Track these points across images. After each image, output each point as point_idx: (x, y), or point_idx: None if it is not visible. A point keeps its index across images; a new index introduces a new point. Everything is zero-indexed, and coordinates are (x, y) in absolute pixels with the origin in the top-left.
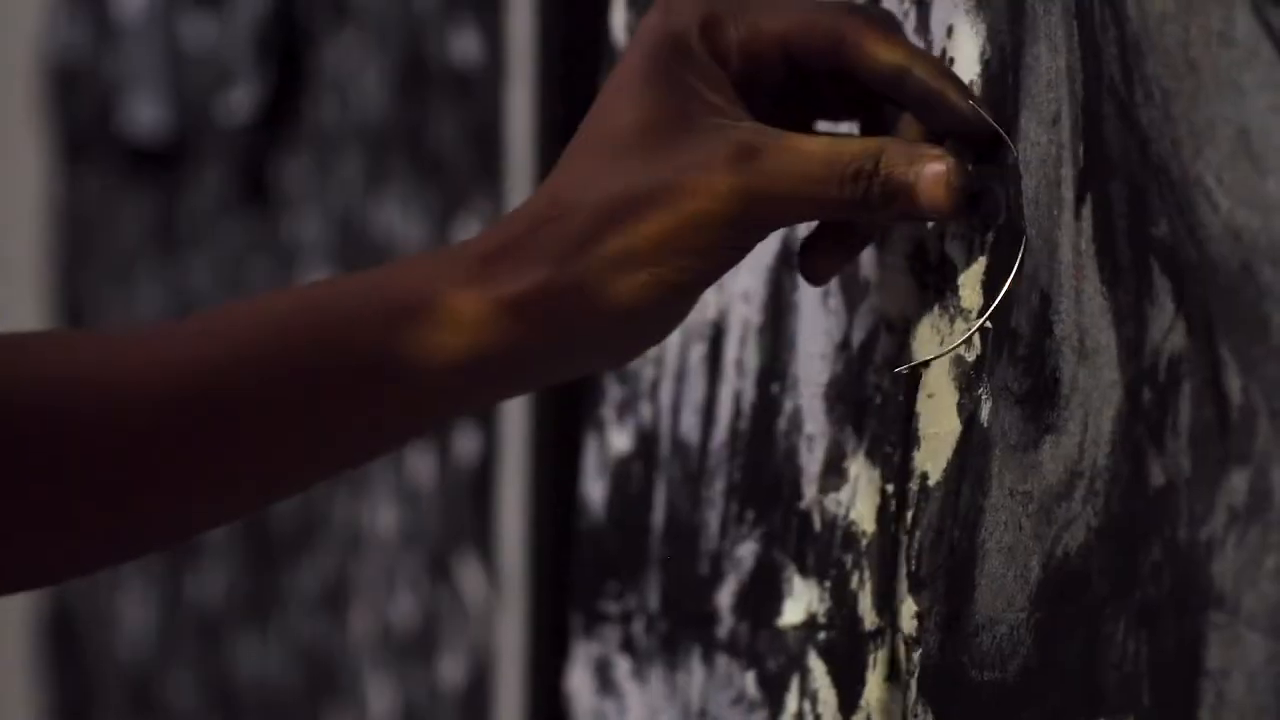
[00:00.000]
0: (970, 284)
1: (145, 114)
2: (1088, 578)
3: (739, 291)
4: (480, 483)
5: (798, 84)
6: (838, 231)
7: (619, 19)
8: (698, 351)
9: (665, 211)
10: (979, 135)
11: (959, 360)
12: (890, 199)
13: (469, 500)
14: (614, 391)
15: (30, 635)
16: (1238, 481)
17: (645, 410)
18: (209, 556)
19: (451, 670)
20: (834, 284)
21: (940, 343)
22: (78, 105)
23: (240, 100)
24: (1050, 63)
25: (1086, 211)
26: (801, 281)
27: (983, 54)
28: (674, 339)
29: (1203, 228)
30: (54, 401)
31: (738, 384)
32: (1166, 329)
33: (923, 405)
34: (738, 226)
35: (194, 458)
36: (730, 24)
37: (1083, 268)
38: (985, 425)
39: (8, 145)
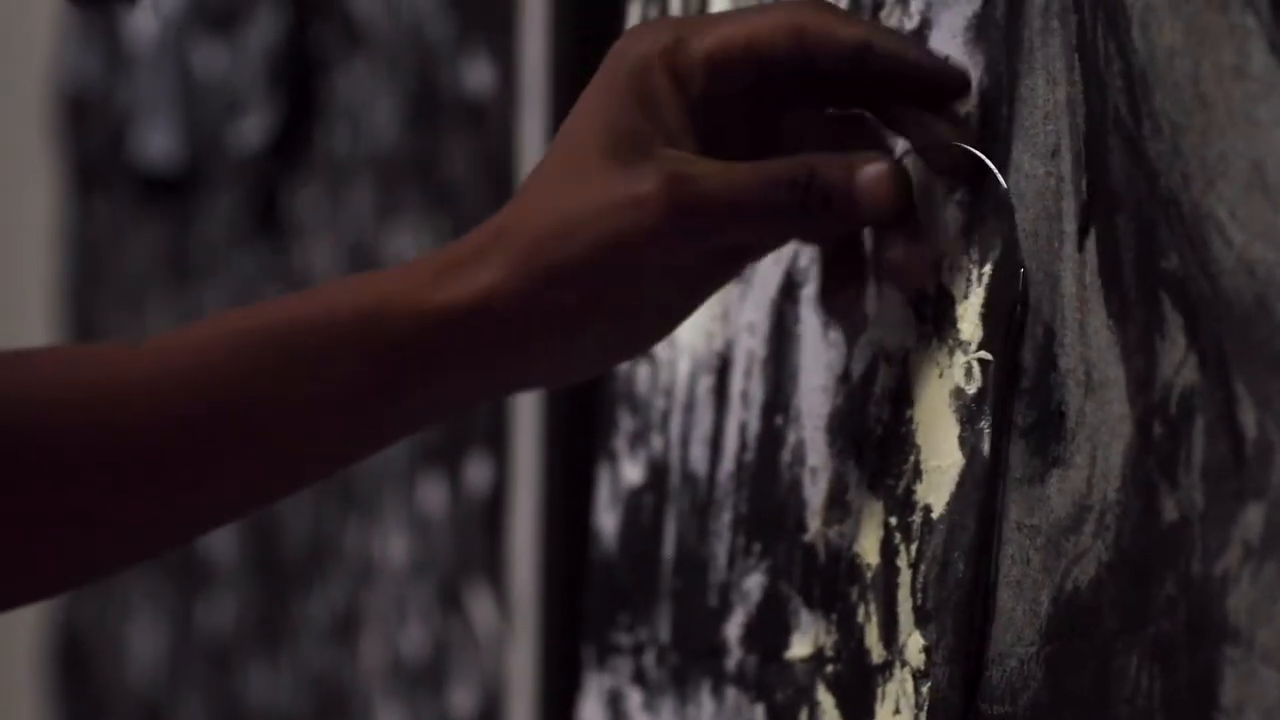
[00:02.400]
0: (968, 316)
1: (157, 142)
2: (1099, 612)
3: (744, 323)
4: (492, 512)
5: (777, 93)
6: (840, 264)
7: None
8: (705, 383)
9: (593, 233)
10: (967, 166)
11: (959, 393)
12: (826, 201)
13: (480, 530)
14: (626, 423)
15: (40, 662)
16: (1253, 516)
17: (656, 442)
18: (219, 584)
19: (462, 700)
20: None
21: (939, 376)
22: (90, 133)
23: (252, 129)
24: (1048, 95)
25: (1091, 244)
26: (803, 314)
27: (980, 85)
28: (683, 369)
29: (1215, 262)
30: (35, 417)
31: (743, 416)
32: (1178, 363)
33: (923, 438)
34: (665, 243)
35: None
36: (694, 42)
37: (1087, 301)
38: (988, 458)
39: (20, 173)
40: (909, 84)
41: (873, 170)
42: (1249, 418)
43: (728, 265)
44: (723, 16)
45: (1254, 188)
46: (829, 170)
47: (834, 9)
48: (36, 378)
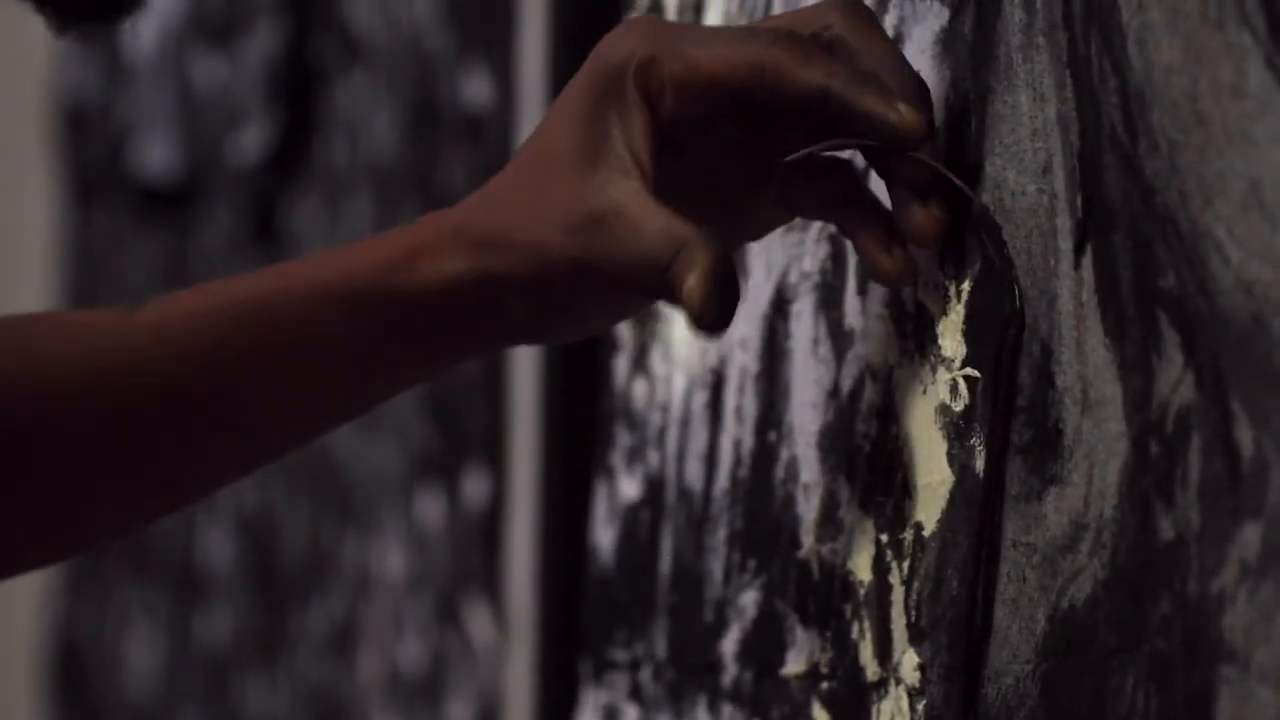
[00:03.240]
0: (949, 333)
1: (156, 154)
2: (1095, 630)
3: (737, 339)
4: (489, 526)
5: (754, 113)
6: (867, 234)
7: None
8: (700, 399)
9: (540, 249)
10: (934, 181)
11: (946, 410)
12: (677, 300)
13: (478, 544)
14: (623, 438)
15: (38, 673)
16: (1250, 535)
17: (653, 458)
18: (217, 596)
19: (459, 714)
20: (823, 331)
21: (923, 392)
22: (89, 145)
23: (251, 141)
24: (1035, 111)
25: (1087, 262)
26: (794, 329)
27: (946, 100)
28: (678, 385)
29: (1213, 280)
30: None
31: (737, 432)
32: (1175, 381)
33: (910, 455)
34: (562, 287)
35: (155, 445)
36: (665, 62)
37: (1084, 319)
38: (979, 475)
39: (19, 185)
40: (864, 129)
41: (692, 280)
42: (1245, 436)
43: (618, 310)
44: (699, 38)
45: (1251, 206)
46: (680, 264)
47: (804, 48)
48: (34, 344)
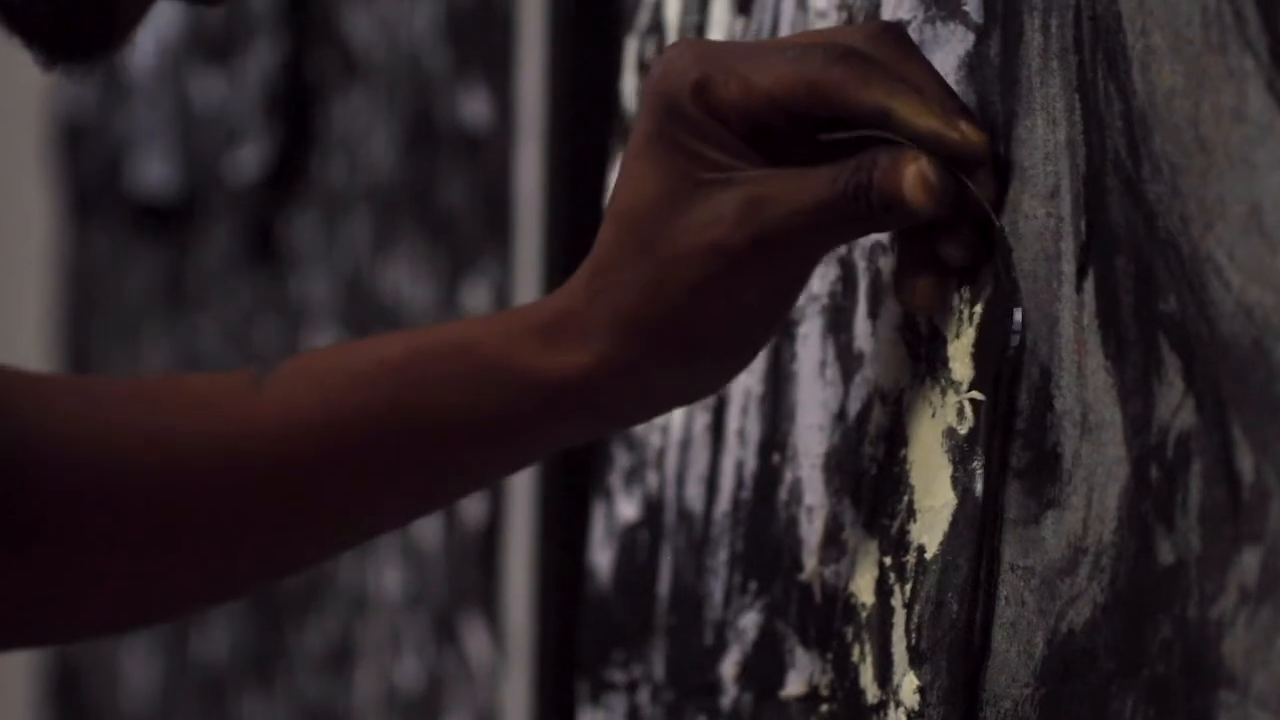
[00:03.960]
0: (960, 356)
1: (154, 171)
2: (1094, 654)
3: None
4: (487, 545)
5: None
6: (910, 254)
7: (629, 83)
8: (701, 421)
9: (684, 284)
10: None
11: (951, 433)
12: (887, 207)
13: (475, 563)
14: (622, 459)
15: (35, 690)
16: (1249, 560)
17: (652, 479)
18: (214, 615)
19: None
20: (831, 354)
21: (932, 415)
22: (86, 162)
23: (249, 158)
24: (1048, 135)
25: (1089, 286)
26: (800, 351)
27: None
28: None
29: (1213, 305)
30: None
31: (740, 454)
32: (1175, 406)
33: (917, 478)
34: (757, 275)
35: (275, 517)
36: (720, 84)
37: (1085, 342)
38: (981, 498)
39: (16, 201)
40: (927, 148)
41: (913, 171)
42: (1246, 462)
43: (797, 268)
44: (753, 57)
45: (1252, 231)
46: (886, 172)
47: (863, 66)
48: (160, 412)
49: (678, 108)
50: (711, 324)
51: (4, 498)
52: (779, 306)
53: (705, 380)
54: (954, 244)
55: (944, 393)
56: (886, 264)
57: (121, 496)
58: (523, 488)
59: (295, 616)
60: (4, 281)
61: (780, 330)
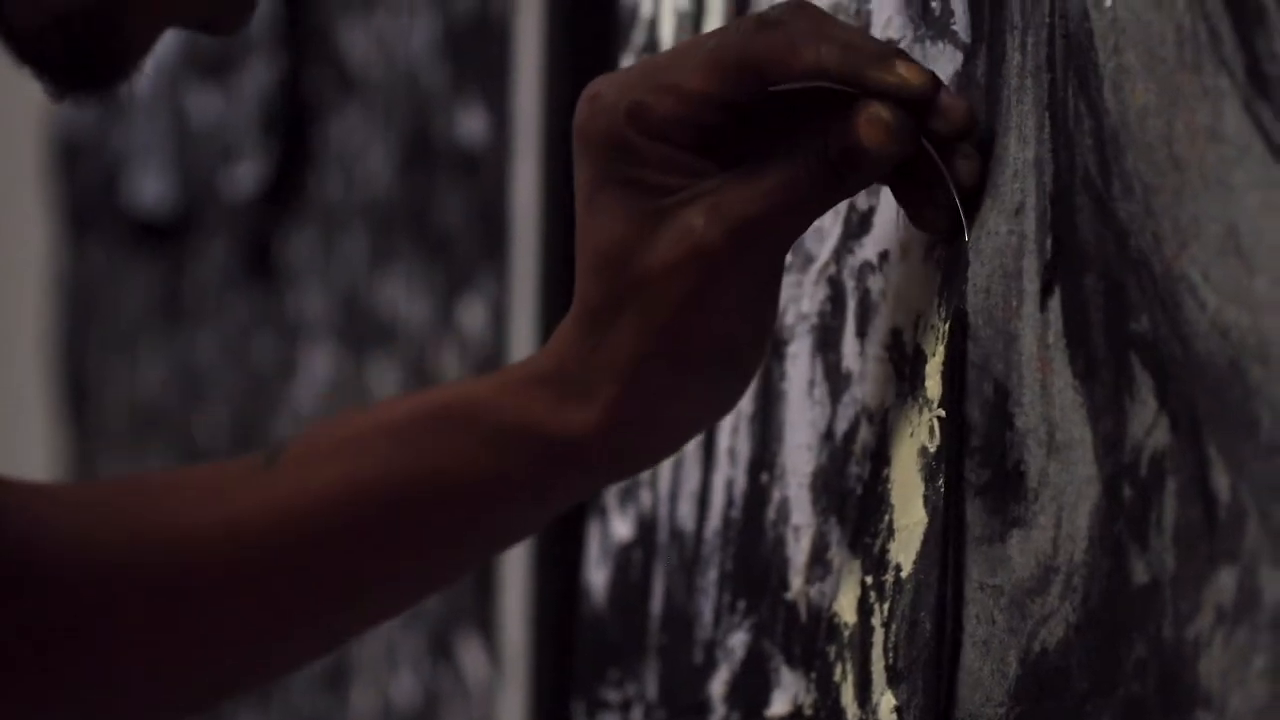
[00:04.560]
0: (933, 374)
1: (150, 187)
2: (1068, 674)
3: None
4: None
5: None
6: (907, 185)
7: None
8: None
9: (670, 307)
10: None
11: (923, 451)
12: (848, 158)
13: (471, 580)
14: None
15: None
16: (1225, 580)
17: (645, 497)
18: None
19: None
20: (819, 373)
21: (910, 435)
22: (84, 178)
23: (245, 174)
24: (1018, 153)
25: (1055, 304)
26: (789, 370)
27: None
28: None
29: (1188, 324)
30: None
31: (730, 472)
32: (1149, 425)
33: (897, 497)
34: (736, 273)
35: (292, 596)
36: (653, 105)
37: (1050, 360)
38: (946, 517)
39: (13, 217)
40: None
41: (868, 114)
42: (1221, 481)
43: (774, 259)
44: (670, 65)
45: (1228, 251)
46: (841, 129)
47: (783, 32)
48: (170, 511)
49: (618, 144)
50: (704, 338)
51: (11, 611)
52: (764, 306)
53: (710, 403)
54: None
55: (920, 411)
56: (875, 283)
57: (135, 596)
58: None
59: None
60: (1, 297)
61: (770, 335)
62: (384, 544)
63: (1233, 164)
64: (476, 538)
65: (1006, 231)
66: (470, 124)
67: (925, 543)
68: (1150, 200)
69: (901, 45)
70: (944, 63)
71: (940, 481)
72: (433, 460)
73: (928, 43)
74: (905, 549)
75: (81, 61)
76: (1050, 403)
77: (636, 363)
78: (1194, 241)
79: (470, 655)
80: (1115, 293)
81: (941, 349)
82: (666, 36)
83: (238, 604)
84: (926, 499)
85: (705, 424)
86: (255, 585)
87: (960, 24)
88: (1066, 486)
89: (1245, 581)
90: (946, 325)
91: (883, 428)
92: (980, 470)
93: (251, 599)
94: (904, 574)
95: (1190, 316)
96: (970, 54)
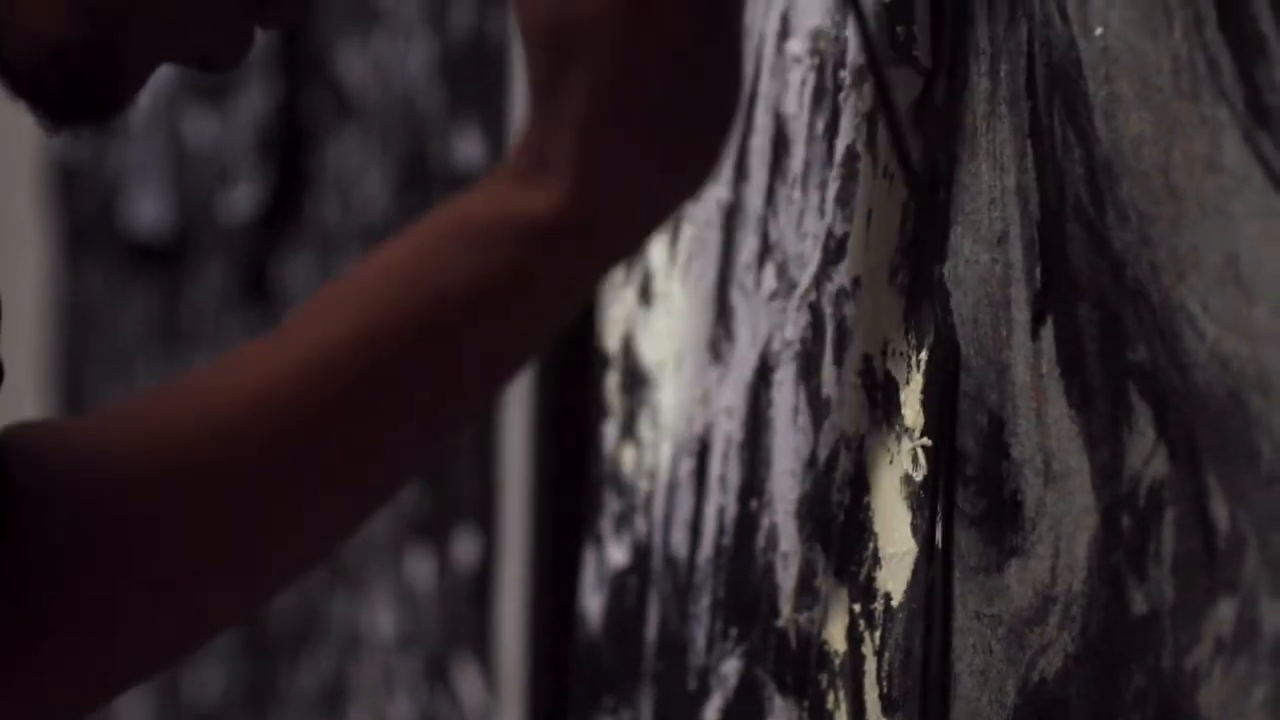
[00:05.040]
0: (911, 402)
1: (148, 210)
2: (1067, 704)
3: (722, 407)
4: (479, 588)
5: None
6: None
7: None
8: (686, 466)
9: (613, 49)
10: None
11: (907, 479)
12: None
13: (468, 604)
14: (612, 504)
15: None
16: (1225, 610)
17: (640, 524)
18: (207, 655)
19: None
20: (803, 400)
21: (890, 462)
22: (80, 201)
23: (242, 198)
24: (994, 181)
25: (1047, 333)
26: (776, 397)
27: (918, 167)
28: (666, 452)
29: (1187, 354)
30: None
31: (721, 499)
32: (1147, 455)
33: (880, 525)
34: (663, 16)
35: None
36: None
37: (1044, 390)
38: (940, 546)
39: (10, 240)
40: None
41: None
42: (1221, 511)
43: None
44: None
45: (1227, 281)
46: None
47: None
48: (180, 409)
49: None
50: (643, 95)
51: (24, 539)
52: (706, 64)
53: (673, 176)
54: None
55: (899, 439)
56: (849, 309)
57: (169, 496)
58: (515, 532)
59: (288, 656)
60: None
61: (731, 107)
62: (402, 379)
63: (1232, 194)
64: (487, 351)
65: (990, 260)
66: (467, 148)
67: (915, 572)
68: (1146, 229)
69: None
70: (907, 88)
71: (929, 510)
72: (433, 280)
73: (892, 68)
74: (894, 577)
75: (77, 96)
76: (1046, 432)
77: (587, 131)
78: (1192, 271)
79: (467, 680)
80: (1111, 322)
81: (920, 377)
82: None
83: (273, 479)
84: (915, 527)
85: (673, 200)
86: (286, 454)
87: (921, 49)
88: (1064, 516)
89: (1245, 612)
90: (923, 354)
91: (860, 455)
92: (976, 500)
93: (285, 470)
94: (894, 603)
95: (1189, 346)
96: (930, 79)
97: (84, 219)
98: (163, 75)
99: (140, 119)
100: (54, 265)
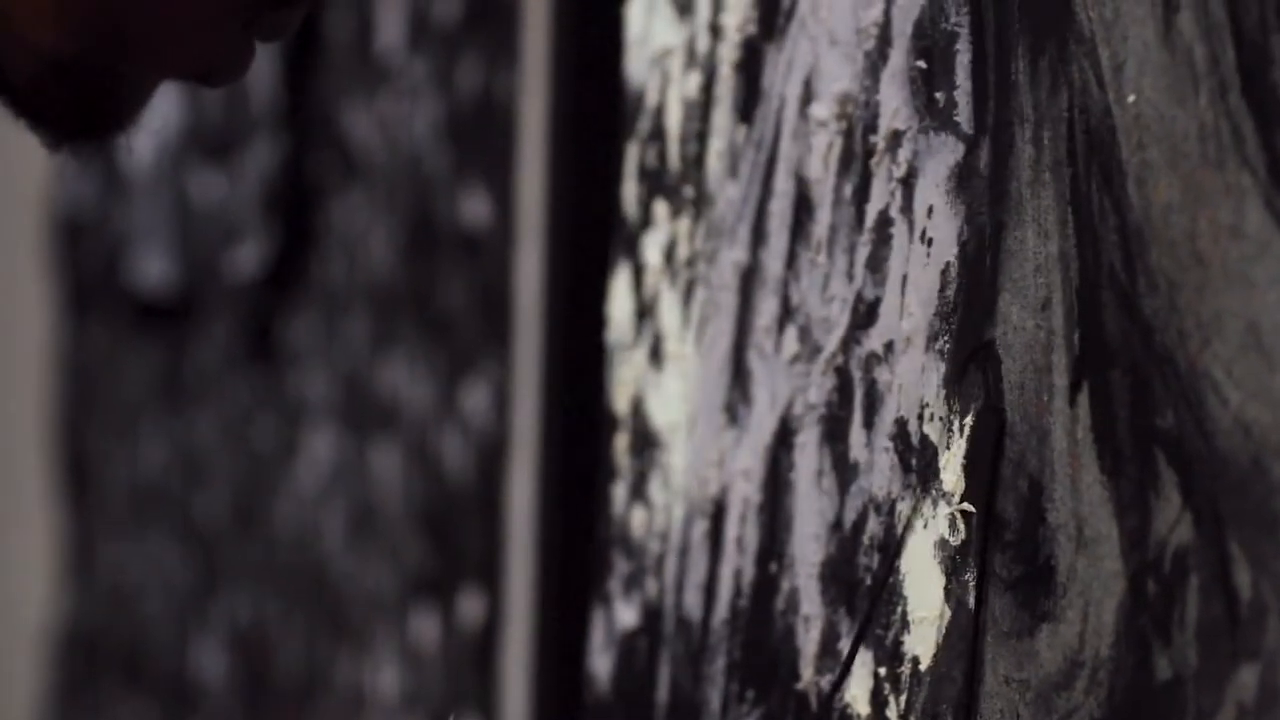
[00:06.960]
0: (951, 467)
1: (152, 268)
2: None
3: (739, 469)
4: (483, 646)
5: None
6: None
7: (630, 190)
8: (700, 528)
9: None
10: None
11: (945, 544)
12: None
13: (472, 663)
14: (621, 566)
15: None
16: (1247, 677)
17: (651, 586)
18: (209, 711)
19: None
20: (827, 464)
21: (924, 526)
22: (85, 258)
23: (248, 256)
24: (1039, 247)
25: (1083, 399)
26: (797, 460)
27: (959, 235)
28: (678, 514)
29: (1211, 421)
30: None
31: (738, 562)
32: (1173, 521)
33: (910, 589)
34: None
35: None
36: None
37: (1079, 456)
38: (974, 611)
39: (14, 296)
40: None
41: None
42: (1244, 578)
43: None
44: None
45: (1249, 348)
46: None
47: None
48: None
49: None
50: None
51: None
52: None
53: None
54: None
55: (935, 504)
56: (882, 374)
57: None
58: (521, 591)
59: (292, 715)
60: (2, 376)
61: None
62: None
63: (1254, 261)
64: None
65: (1034, 326)
66: (473, 207)
67: (947, 636)
68: (1174, 296)
69: (907, 136)
70: (946, 153)
71: (967, 575)
72: None
73: (931, 134)
74: (923, 641)
75: (77, 111)
76: (1079, 498)
77: None
78: (1216, 338)
79: None
80: (1141, 388)
81: (963, 442)
82: (673, 125)
83: None
84: (949, 592)
85: None
86: None
87: (963, 115)
88: (1093, 582)
89: (1267, 678)
90: (968, 419)
91: (890, 519)
92: (1012, 565)
93: None
94: (922, 666)
95: (1213, 413)
96: (972, 145)
97: (88, 276)
98: (169, 133)
99: (145, 176)
100: (58, 322)
